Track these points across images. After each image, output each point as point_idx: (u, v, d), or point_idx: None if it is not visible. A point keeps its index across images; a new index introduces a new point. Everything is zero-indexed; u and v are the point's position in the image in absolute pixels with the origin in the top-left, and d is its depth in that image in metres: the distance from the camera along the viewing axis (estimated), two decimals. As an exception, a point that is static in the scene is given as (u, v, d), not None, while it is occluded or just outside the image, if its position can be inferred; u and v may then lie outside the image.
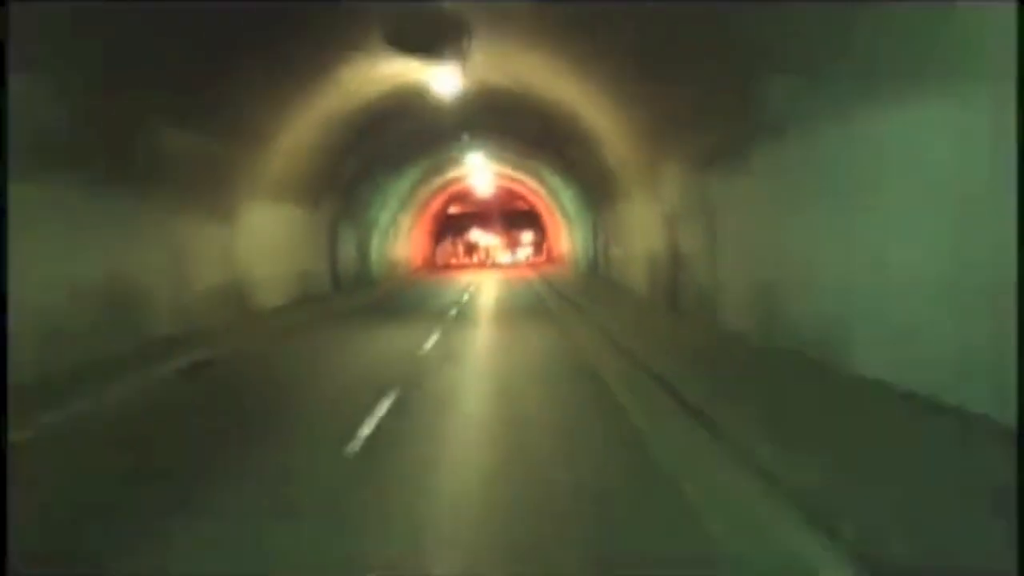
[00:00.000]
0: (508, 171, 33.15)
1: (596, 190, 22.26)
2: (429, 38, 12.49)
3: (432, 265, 48.90)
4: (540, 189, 34.23)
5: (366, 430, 6.25)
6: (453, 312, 17.15)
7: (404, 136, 21.09)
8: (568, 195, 28.41)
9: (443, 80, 14.97)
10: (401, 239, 35.78)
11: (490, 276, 35.19)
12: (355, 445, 5.82)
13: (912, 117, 5.94)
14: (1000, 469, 4.17)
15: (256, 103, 13.22)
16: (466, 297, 22.05)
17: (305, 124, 15.44)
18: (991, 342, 5.08)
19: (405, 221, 35.53)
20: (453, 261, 57.80)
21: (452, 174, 33.57)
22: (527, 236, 59.50)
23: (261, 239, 15.99)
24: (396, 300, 21.67)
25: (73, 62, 8.39)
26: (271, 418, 7.01)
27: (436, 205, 44.19)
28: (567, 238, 35.83)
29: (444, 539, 4.06)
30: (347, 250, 24.34)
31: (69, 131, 8.74)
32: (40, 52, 7.69)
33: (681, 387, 7.16)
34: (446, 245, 58.10)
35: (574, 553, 3.79)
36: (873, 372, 6.64)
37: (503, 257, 59.59)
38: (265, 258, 16.31)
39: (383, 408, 7.08)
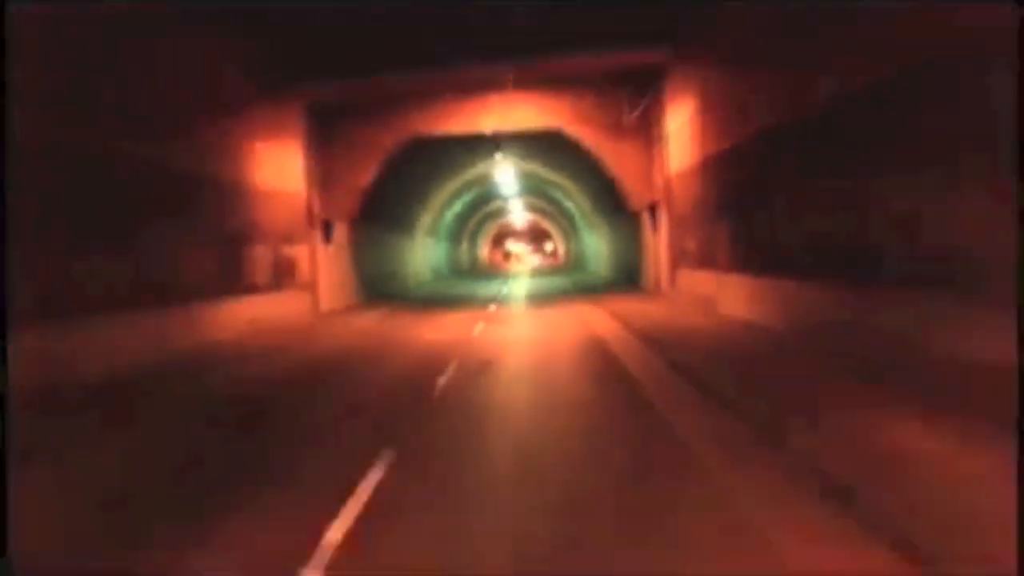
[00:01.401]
0: (535, 216, 72.35)
1: (563, 234, 61.34)
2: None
3: (490, 263, 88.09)
4: (551, 226, 73.53)
5: (513, 278, 45.29)
6: (518, 271, 56.35)
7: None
8: (558, 232, 67.55)
9: (516, 209, 54.22)
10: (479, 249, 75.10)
11: (524, 267, 74.42)
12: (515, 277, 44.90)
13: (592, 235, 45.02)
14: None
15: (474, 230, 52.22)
16: (521, 268, 61.27)
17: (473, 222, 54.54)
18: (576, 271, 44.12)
19: (483, 241, 74.81)
20: (499, 260, 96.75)
21: (504, 219, 73.04)
22: (548, 246, 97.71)
23: (460, 254, 55.09)
24: (498, 270, 60.75)
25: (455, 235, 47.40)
26: (486, 274, 46.03)
27: (494, 231, 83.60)
28: (562, 249, 74.90)
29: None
30: (471, 255, 63.38)
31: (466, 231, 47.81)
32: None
33: (564, 279, 46.19)
34: (493, 252, 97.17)
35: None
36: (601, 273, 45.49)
37: (529, 259, 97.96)
38: (463, 260, 55.48)
39: (522, 271, 46.14)
